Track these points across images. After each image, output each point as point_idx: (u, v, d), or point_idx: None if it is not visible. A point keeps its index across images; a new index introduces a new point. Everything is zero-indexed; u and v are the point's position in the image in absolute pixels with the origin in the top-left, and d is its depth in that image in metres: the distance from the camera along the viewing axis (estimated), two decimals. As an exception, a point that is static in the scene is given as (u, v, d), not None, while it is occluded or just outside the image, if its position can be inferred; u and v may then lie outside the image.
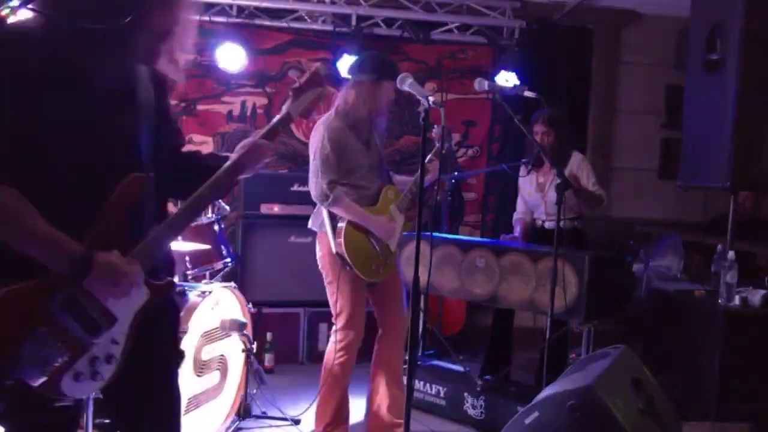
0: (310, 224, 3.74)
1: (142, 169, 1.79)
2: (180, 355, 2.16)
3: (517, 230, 4.60)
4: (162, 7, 1.73)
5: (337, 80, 5.57)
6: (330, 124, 3.55)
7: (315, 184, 3.54)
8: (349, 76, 3.70)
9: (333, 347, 3.65)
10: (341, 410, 3.74)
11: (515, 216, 4.72)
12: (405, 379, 3.06)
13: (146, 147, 1.84)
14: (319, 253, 3.70)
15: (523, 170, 4.58)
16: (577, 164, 4.41)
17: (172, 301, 2.02)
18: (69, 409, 1.78)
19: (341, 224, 3.55)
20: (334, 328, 3.67)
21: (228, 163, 1.96)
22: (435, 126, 3.71)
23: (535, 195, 4.54)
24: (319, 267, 3.72)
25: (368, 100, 3.55)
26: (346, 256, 3.53)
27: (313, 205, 3.76)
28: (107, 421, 2.78)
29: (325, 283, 3.70)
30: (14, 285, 1.62)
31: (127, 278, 1.71)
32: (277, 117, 2.11)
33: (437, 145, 3.66)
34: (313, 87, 2.15)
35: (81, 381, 1.69)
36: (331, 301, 3.67)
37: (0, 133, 1.62)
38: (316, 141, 3.55)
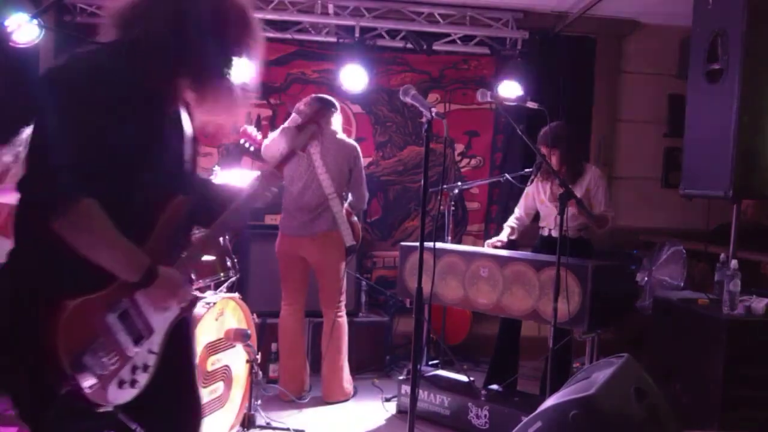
0: (324, 228, 4.43)
1: (186, 192, 1.95)
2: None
3: (505, 235, 4.61)
4: (192, 69, 1.87)
5: (341, 92, 5.62)
6: None
7: (366, 191, 4.62)
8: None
9: (343, 315, 4.59)
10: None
11: (509, 221, 4.71)
12: (409, 389, 3.08)
13: (188, 171, 2.02)
14: (336, 252, 4.47)
15: (533, 178, 4.58)
16: (595, 180, 4.39)
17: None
18: (109, 415, 1.87)
19: (354, 219, 4.62)
20: (341, 305, 4.58)
21: (246, 192, 2.13)
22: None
23: (548, 203, 4.51)
24: (332, 264, 4.48)
25: None
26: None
27: None
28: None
29: (337, 277, 4.50)
30: (85, 295, 1.72)
31: (183, 289, 1.89)
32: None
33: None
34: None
35: (123, 388, 1.82)
36: (338, 288, 4.52)
37: (88, 151, 1.70)
38: (361, 155, 4.59)
